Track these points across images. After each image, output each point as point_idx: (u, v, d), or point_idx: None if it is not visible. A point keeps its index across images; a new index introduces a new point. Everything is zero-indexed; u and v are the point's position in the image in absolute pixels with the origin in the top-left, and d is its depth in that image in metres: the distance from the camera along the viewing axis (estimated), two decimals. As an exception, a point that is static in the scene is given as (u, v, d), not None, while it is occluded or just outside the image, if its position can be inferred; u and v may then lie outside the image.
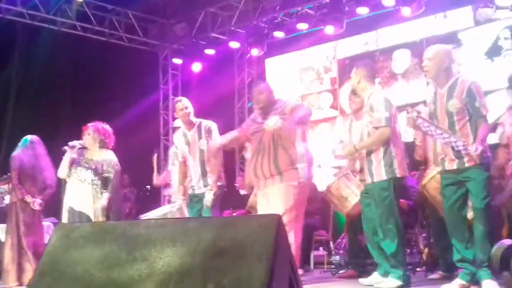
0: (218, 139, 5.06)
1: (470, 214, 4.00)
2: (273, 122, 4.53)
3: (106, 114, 6.88)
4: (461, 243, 3.96)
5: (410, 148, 5.03)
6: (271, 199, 4.45)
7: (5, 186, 6.60)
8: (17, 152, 5.81)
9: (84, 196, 5.12)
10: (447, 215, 4.06)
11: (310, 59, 9.83)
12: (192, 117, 5.36)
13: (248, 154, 6.02)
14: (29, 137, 5.91)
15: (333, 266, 5.99)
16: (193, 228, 1.96)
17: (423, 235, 5.70)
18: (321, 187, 6.44)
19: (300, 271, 4.65)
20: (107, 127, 5.42)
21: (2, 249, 5.80)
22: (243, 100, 10.45)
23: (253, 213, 5.69)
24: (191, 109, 5.34)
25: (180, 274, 1.84)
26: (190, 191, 5.35)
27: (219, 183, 5.27)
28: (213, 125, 5.33)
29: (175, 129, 6.38)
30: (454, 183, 3.97)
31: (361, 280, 4.65)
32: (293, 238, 4.31)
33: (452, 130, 3.90)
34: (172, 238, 1.94)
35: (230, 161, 8.99)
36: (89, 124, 5.33)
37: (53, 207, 6.09)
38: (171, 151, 6.84)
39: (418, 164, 5.26)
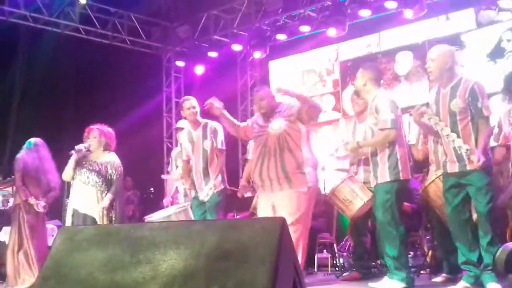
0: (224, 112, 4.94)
1: (474, 216, 4.00)
2: (277, 125, 4.52)
3: (109, 116, 6.87)
4: (465, 246, 3.97)
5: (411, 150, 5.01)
6: (281, 205, 4.44)
7: (9, 189, 6.61)
8: (21, 154, 5.83)
9: (88, 198, 5.12)
10: (450, 218, 4.06)
11: (313, 62, 9.82)
12: (199, 117, 5.38)
13: (249, 156, 6.02)
14: (33, 139, 5.92)
15: (337, 269, 5.97)
16: (197, 230, 1.96)
17: (427, 237, 5.69)
18: (324, 190, 6.43)
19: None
20: (110, 129, 5.43)
21: (5, 251, 5.82)
22: (246, 103, 10.43)
23: (257, 215, 5.68)
24: (198, 109, 5.37)
25: (184, 277, 1.84)
26: (192, 194, 5.35)
27: (222, 186, 5.28)
28: (218, 126, 5.34)
29: (178, 130, 6.38)
30: (455, 186, 3.97)
31: (371, 284, 4.62)
32: (302, 244, 4.32)
33: (454, 130, 3.90)
34: (176, 240, 1.94)
35: (233, 163, 8.97)
36: (93, 127, 5.32)
37: (57, 209, 6.09)
38: (173, 153, 6.84)
39: (421, 167, 5.25)
